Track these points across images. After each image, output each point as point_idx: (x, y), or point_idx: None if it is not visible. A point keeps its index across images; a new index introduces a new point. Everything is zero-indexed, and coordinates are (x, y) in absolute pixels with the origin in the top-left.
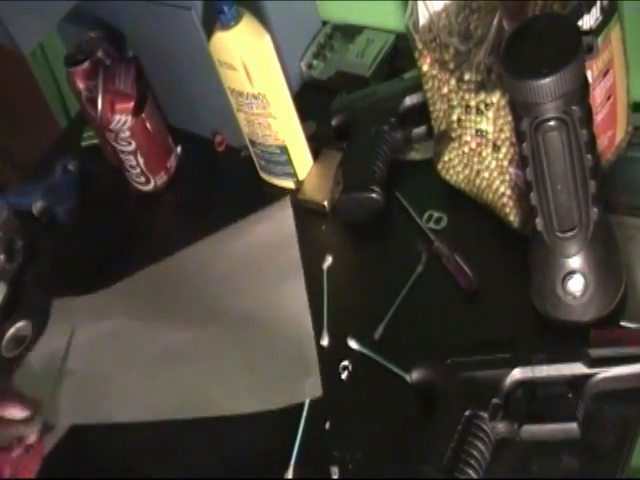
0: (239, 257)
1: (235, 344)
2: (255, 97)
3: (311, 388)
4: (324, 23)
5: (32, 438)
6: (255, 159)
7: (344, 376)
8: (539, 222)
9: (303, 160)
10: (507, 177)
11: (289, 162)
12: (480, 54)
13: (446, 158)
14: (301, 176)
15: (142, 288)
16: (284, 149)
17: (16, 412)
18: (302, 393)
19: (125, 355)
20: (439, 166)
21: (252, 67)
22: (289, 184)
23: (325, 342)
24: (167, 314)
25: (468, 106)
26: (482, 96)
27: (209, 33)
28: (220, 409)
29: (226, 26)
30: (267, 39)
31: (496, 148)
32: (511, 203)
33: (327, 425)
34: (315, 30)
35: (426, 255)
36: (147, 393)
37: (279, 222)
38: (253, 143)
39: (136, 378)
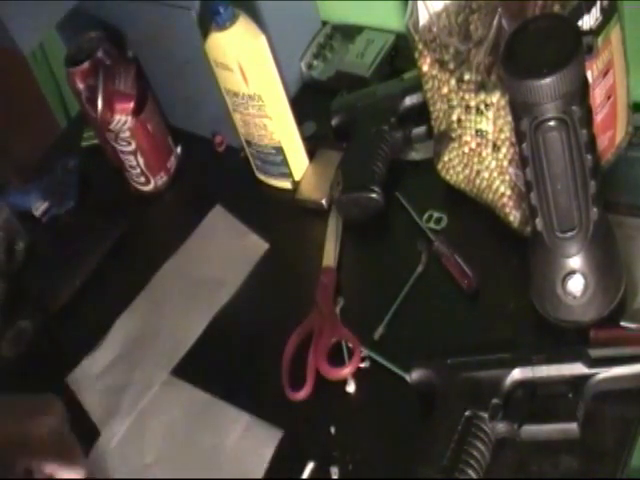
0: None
1: None
2: (251, 97)
3: None
4: (324, 23)
5: None
6: (251, 159)
7: None
8: (539, 222)
9: (299, 160)
10: (507, 177)
11: (285, 162)
12: (480, 54)
13: (446, 158)
14: (297, 176)
15: None
16: (280, 149)
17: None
18: None
19: None
20: (439, 166)
21: (247, 68)
22: (285, 184)
23: None
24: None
25: (468, 106)
26: (482, 96)
27: (205, 34)
28: None
29: (222, 27)
30: (263, 40)
31: (496, 148)
32: (511, 203)
33: (330, 428)
34: (315, 30)
35: (426, 255)
36: None
37: (254, 457)
38: (249, 143)
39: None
